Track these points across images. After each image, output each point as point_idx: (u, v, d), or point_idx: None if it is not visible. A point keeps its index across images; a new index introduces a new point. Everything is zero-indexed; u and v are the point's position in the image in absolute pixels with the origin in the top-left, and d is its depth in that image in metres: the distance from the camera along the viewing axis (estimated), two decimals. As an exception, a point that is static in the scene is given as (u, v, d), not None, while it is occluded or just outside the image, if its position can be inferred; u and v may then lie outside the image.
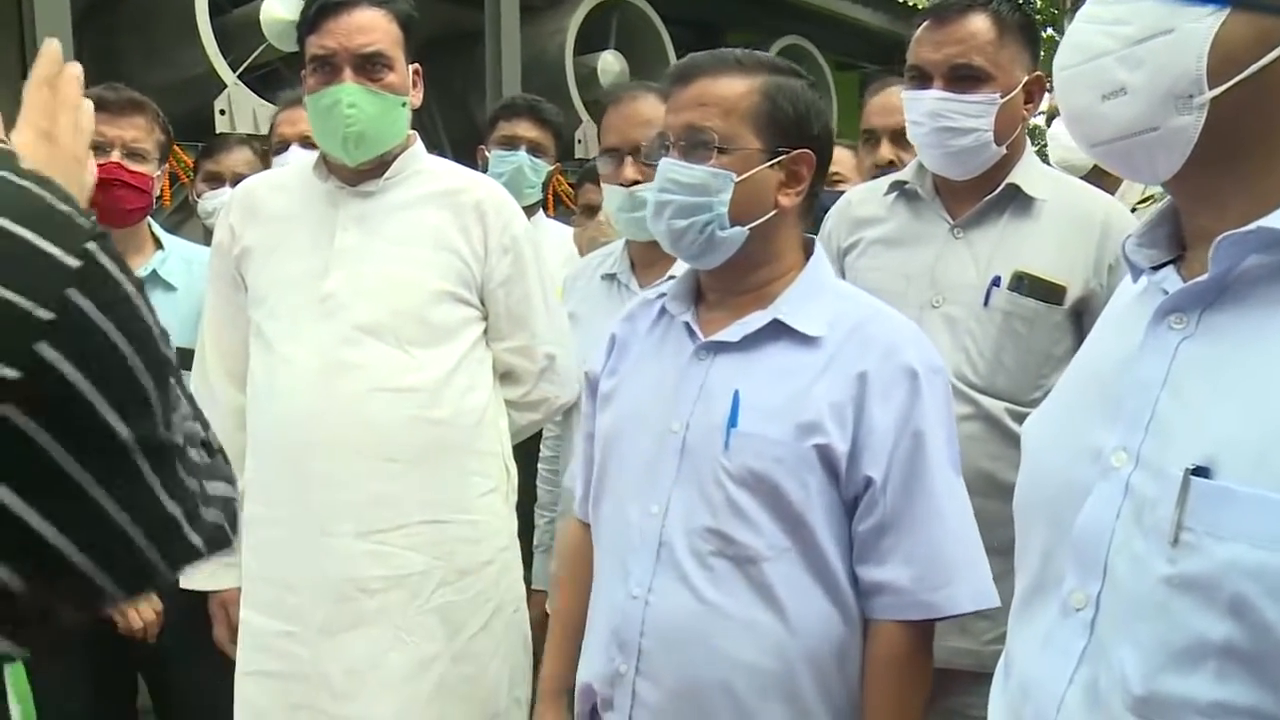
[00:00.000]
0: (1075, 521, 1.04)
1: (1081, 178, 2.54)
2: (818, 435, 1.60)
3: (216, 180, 3.40)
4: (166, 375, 0.81)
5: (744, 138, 1.65)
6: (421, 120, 8.11)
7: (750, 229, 1.67)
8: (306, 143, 3.09)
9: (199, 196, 3.45)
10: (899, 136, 2.91)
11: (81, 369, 0.71)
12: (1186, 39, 0.98)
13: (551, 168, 3.53)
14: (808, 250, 1.76)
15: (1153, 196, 2.83)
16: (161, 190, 5.66)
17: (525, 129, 3.46)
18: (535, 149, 3.45)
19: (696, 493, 1.65)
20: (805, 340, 1.65)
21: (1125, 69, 1.01)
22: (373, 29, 2.23)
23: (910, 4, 10.31)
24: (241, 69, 6.36)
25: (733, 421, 1.63)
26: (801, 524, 1.61)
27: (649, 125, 2.32)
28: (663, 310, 1.80)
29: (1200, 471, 0.93)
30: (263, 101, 6.25)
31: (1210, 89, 0.97)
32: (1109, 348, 1.14)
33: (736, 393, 1.64)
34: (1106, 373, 1.09)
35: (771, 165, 1.66)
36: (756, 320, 1.68)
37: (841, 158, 3.38)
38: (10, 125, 1.04)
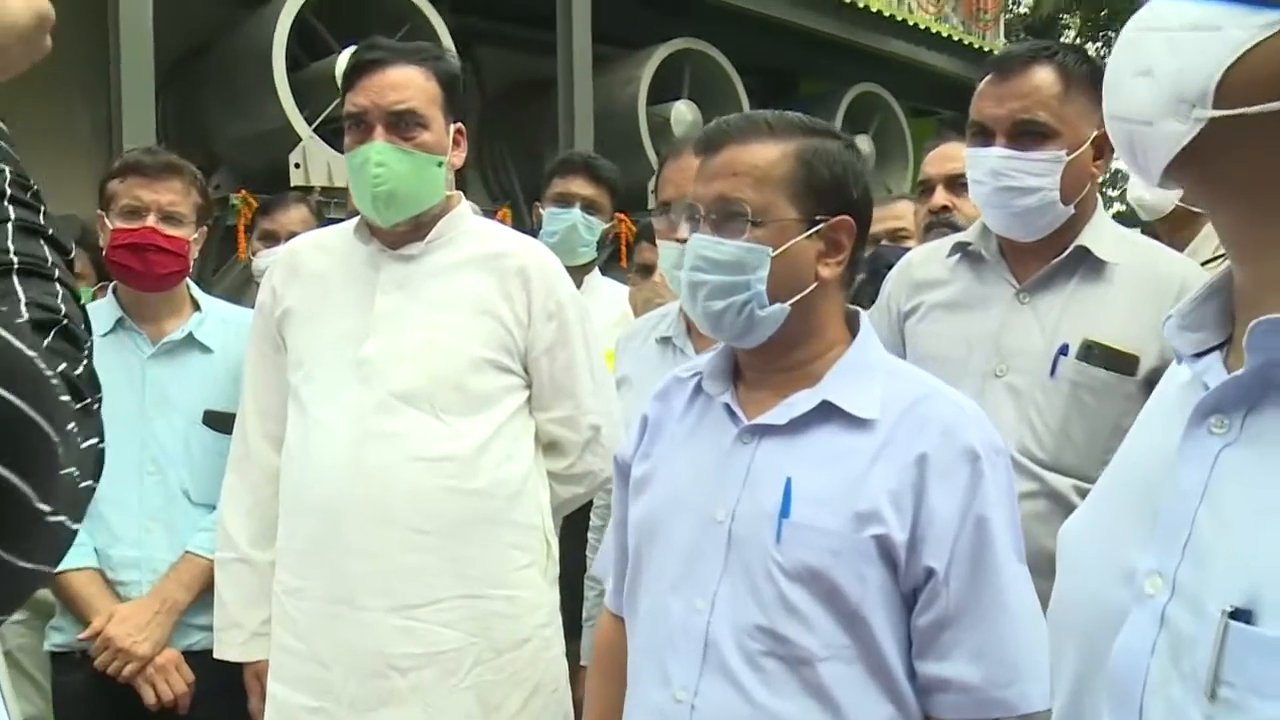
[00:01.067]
0: (1109, 652, 0.92)
1: (1152, 225, 2.41)
2: (876, 525, 1.48)
3: (272, 239, 3.39)
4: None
5: (779, 208, 1.54)
6: (496, 171, 8.23)
7: (791, 305, 1.56)
8: None
9: (254, 254, 3.44)
10: (953, 183, 2.85)
11: None
12: (1218, 44, 0.85)
13: (606, 226, 3.45)
14: (851, 322, 1.65)
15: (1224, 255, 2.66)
16: (237, 244, 5.78)
17: (580, 186, 3.39)
18: (590, 207, 3.38)
19: (745, 588, 1.52)
20: (857, 422, 1.53)
21: (1165, 51, 0.89)
22: (406, 86, 2.17)
23: (986, 49, 10.20)
24: (317, 122, 6.44)
25: (784, 511, 1.51)
26: (859, 621, 1.49)
27: None
28: (698, 388, 1.69)
29: (1240, 615, 0.80)
30: (336, 154, 6.31)
31: (1212, 108, 0.85)
32: (1151, 447, 1.00)
33: (789, 480, 1.52)
34: (1146, 478, 0.96)
35: (809, 235, 1.56)
36: (804, 402, 1.56)
37: (905, 212, 3.27)
38: None
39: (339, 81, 6.65)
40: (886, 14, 9.06)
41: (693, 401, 1.70)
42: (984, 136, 2.05)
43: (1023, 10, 18.49)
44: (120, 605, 2.41)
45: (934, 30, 9.60)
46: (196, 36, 7.05)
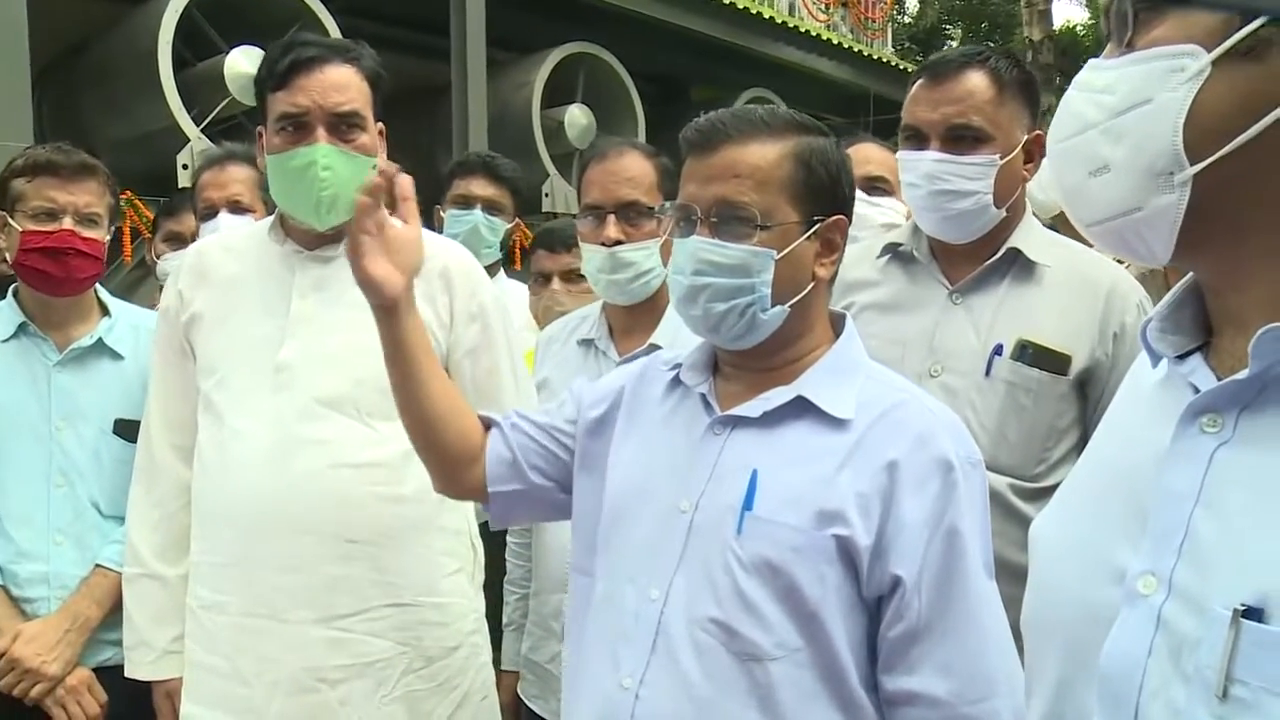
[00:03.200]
0: (1098, 653, 0.91)
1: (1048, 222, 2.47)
2: (838, 525, 1.46)
3: (178, 240, 3.26)
4: None
5: (782, 211, 1.52)
6: (387, 176, 7.97)
7: (789, 307, 1.55)
8: (236, 207, 2.98)
9: (159, 257, 3.31)
10: (871, 187, 2.88)
11: None
12: (1162, 110, 0.86)
13: (509, 226, 3.40)
14: (835, 323, 1.65)
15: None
16: (122, 246, 5.58)
17: (480, 187, 3.34)
18: (491, 207, 3.33)
19: (702, 579, 1.50)
20: (831, 422, 1.52)
21: (1108, 143, 0.90)
22: (347, 86, 2.10)
23: (873, 57, 10.39)
24: (205, 123, 6.27)
25: (748, 504, 1.49)
26: (816, 623, 1.47)
27: (633, 183, 2.24)
28: (677, 380, 1.67)
29: (1252, 614, 0.80)
30: (226, 155, 6.14)
31: (1191, 165, 0.86)
32: (1129, 443, 1.00)
33: (754, 473, 1.51)
34: (1128, 475, 0.96)
35: (808, 237, 1.54)
36: (779, 396, 1.54)
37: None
38: None
39: (228, 81, 6.49)
40: (778, 21, 9.17)
41: (670, 392, 1.67)
42: (918, 141, 2.07)
43: (907, 20, 18.96)
44: (27, 623, 2.30)
45: (824, 37, 9.74)
46: (75, 32, 6.82)
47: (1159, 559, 0.88)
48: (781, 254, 1.52)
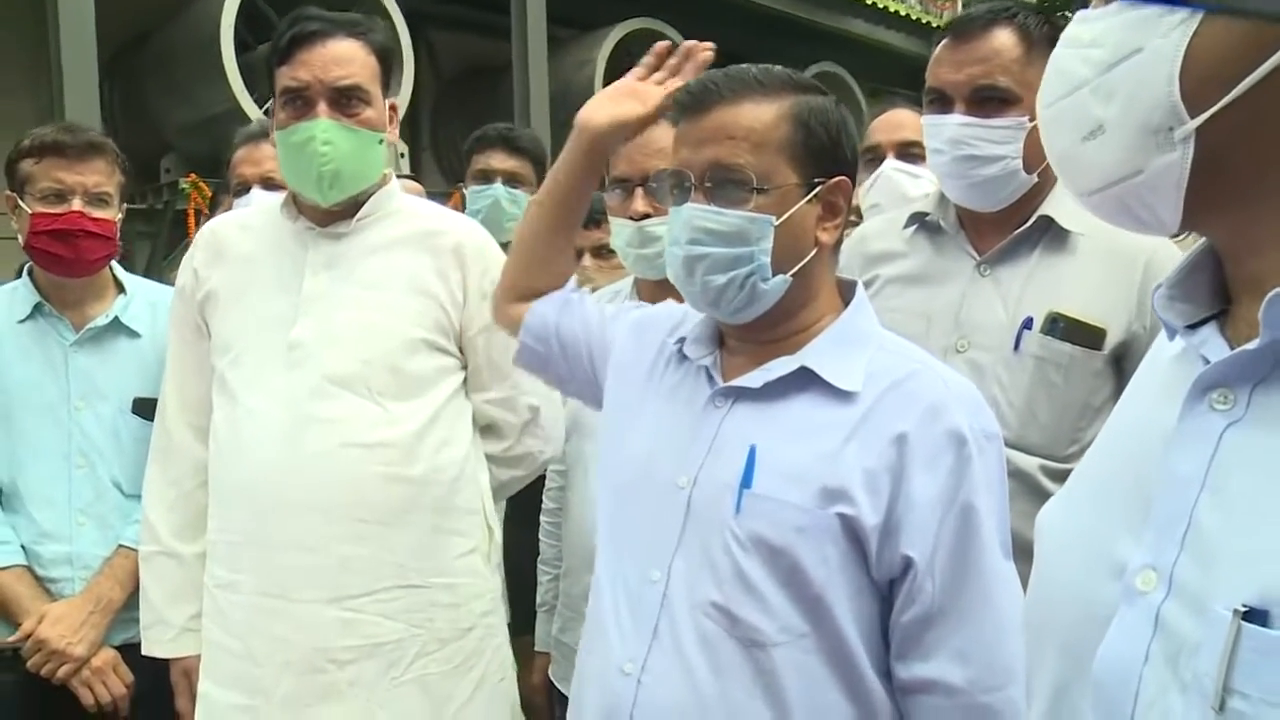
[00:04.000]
0: (1094, 656, 0.82)
1: None
2: (843, 503, 1.38)
3: None
4: None
5: (780, 173, 1.44)
6: (450, 153, 8.09)
7: (792, 275, 1.47)
8: (269, 184, 2.96)
9: None
10: (904, 151, 2.79)
11: None
12: (1154, 59, 0.78)
13: (531, 198, 3.34)
14: (844, 291, 1.56)
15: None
16: (187, 228, 5.64)
17: (500, 160, 3.28)
18: (513, 180, 3.27)
19: (702, 560, 1.44)
20: (837, 394, 1.44)
21: (1100, 102, 0.82)
22: (350, 61, 2.08)
23: (943, 29, 10.21)
24: (267, 105, 6.33)
25: (746, 481, 1.42)
26: (821, 606, 1.39)
27: (662, 154, 2.15)
28: (682, 354, 1.60)
29: (1254, 616, 0.71)
30: (286, 137, 6.18)
31: (1191, 118, 0.77)
32: (1140, 424, 0.91)
33: (753, 448, 1.44)
34: (1134, 459, 0.87)
35: (809, 200, 1.46)
36: (781, 366, 1.47)
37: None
38: None
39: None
40: (844, -7, 9.05)
41: (677, 366, 1.61)
42: (942, 104, 1.96)
43: (978, -9, 18.65)
44: (52, 605, 2.31)
45: (891, 9, 9.59)
46: (141, 22, 6.92)
47: (1160, 552, 0.79)
48: (781, 219, 1.44)
